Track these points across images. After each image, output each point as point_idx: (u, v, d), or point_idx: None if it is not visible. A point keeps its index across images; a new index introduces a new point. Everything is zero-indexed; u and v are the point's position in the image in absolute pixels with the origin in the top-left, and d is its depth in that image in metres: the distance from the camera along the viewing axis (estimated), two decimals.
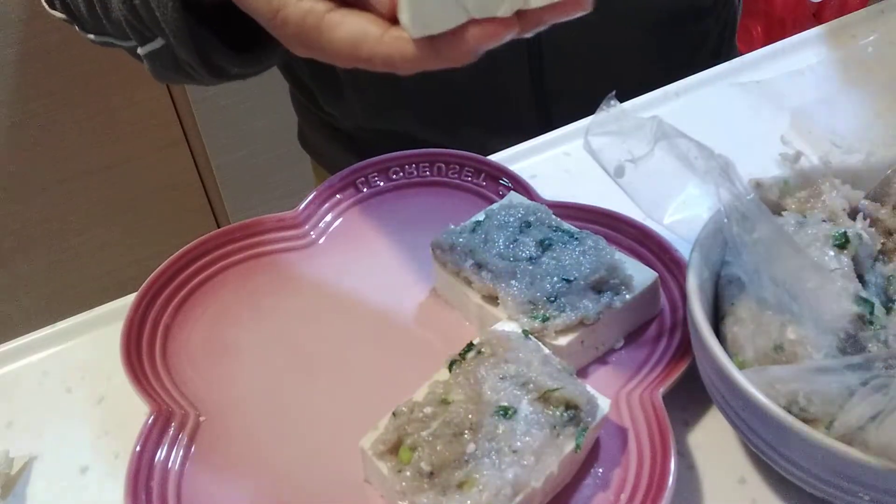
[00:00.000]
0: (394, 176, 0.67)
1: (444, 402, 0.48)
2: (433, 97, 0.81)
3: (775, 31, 1.60)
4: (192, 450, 0.51)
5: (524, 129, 0.74)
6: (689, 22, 0.84)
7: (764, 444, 0.45)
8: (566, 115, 0.73)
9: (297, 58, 0.84)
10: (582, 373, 0.54)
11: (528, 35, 0.44)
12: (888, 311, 0.48)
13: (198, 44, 0.57)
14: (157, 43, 0.60)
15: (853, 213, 0.52)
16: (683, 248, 0.56)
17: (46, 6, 0.72)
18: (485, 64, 0.77)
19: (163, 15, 0.55)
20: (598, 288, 0.54)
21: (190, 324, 0.59)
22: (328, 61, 0.48)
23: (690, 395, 0.52)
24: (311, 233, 0.64)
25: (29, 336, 0.61)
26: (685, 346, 0.53)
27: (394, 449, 0.46)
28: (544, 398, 0.47)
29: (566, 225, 0.58)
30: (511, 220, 0.58)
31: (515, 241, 0.56)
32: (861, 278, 0.48)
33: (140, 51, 0.62)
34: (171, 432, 0.51)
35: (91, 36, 0.68)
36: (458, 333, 0.56)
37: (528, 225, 0.57)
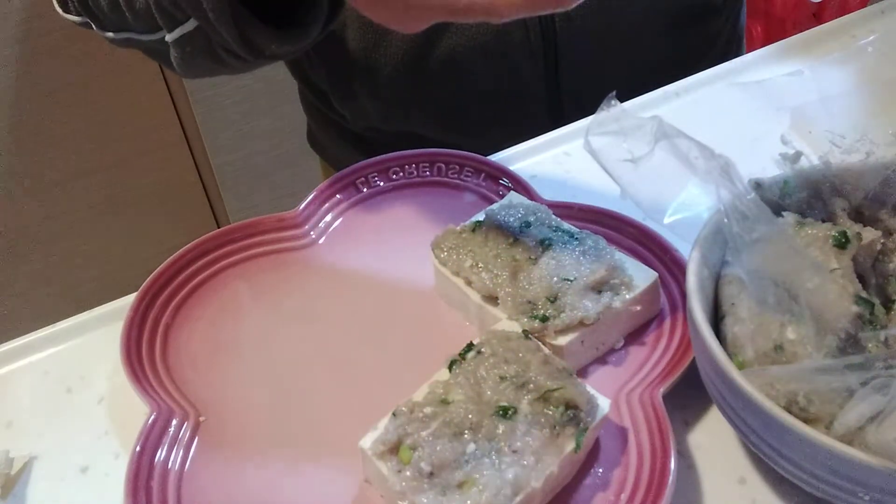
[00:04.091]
0: (394, 176, 0.67)
1: (444, 402, 0.48)
2: (447, 98, 0.81)
3: (775, 31, 1.60)
4: (192, 450, 0.51)
5: (537, 129, 0.74)
6: (701, 19, 0.84)
7: (764, 444, 0.45)
8: (580, 114, 0.73)
9: (311, 58, 0.84)
10: (582, 373, 0.54)
11: None
12: (888, 311, 0.48)
13: (237, 21, 0.57)
14: (190, 25, 0.59)
15: (853, 213, 0.52)
16: (683, 248, 0.56)
17: (60, 10, 0.71)
18: (499, 63, 0.78)
19: None
20: (598, 288, 0.54)
21: (190, 324, 0.59)
22: (404, 17, 0.48)
23: (690, 395, 0.52)
24: (311, 233, 0.64)
25: (29, 336, 0.61)
26: (685, 346, 0.53)
27: (394, 449, 0.46)
28: (544, 398, 0.47)
29: (566, 225, 0.58)
30: (511, 220, 0.58)
31: (515, 241, 0.56)
32: (861, 278, 0.48)
33: (169, 37, 0.61)
34: (171, 432, 0.51)
35: (110, 34, 0.68)
36: (458, 333, 0.56)
37: (528, 225, 0.57)
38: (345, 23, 0.78)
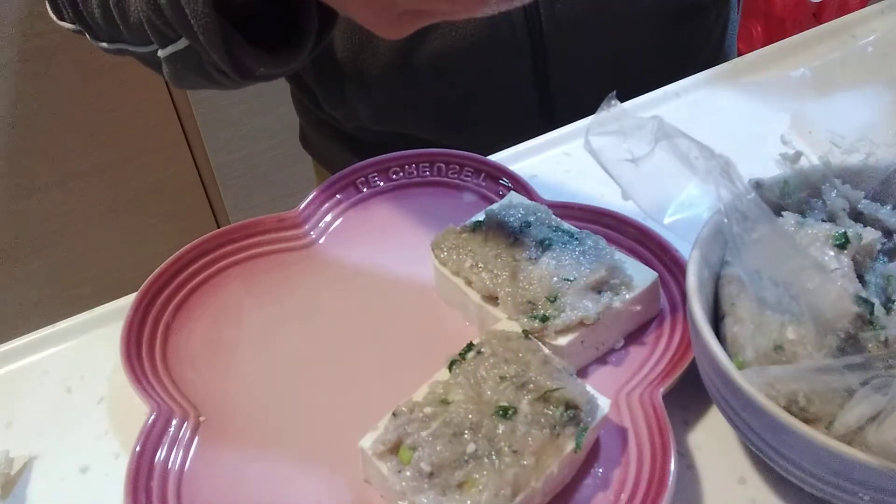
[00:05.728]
0: (394, 176, 0.67)
1: (444, 402, 0.48)
2: (437, 98, 0.81)
3: (775, 31, 1.60)
4: (192, 450, 0.51)
5: (529, 128, 0.74)
6: (691, 20, 0.84)
7: (764, 444, 0.45)
8: (570, 115, 0.73)
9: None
10: (582, 373, 0.54)
11: None
12: (888, 311, 0.47)
13: (227, 43, 0.57)
14: (181, 44, 0.60)
15: (853, 213, 0.52)
16: (683, 248, 0.56)
17: (55, 18, 0.71)
18: (487, 63, 0.78)
19: (193, 13, 0.55)
20: (598, 288, 0.54)
21: (190, 324, 0.59)
22: (396, 22, 0.48)
23: (690, 395, 0.52)
24: (311, 233, 0.64)
25: (29, 336, 0.61)
26: (685, 346, 0.53)
27: (394, 449, 0.46)
28: (544, 398, 0.47)
29: (566, 225, 0.58)
30: (511, 220, 0.58)
31: (515, 241, 0.56)
32: (861, 278, 0.48)
33: (161, 53, 0.61)
34: (171, 432, 0.51)
35: (104, 44, 0.68)
36: (458, 333, 0.56)
37: (528, 225, 0.57)
38: None
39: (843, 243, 0.48)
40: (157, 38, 0.61)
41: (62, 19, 0.71)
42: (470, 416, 0.46)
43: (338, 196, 0.66)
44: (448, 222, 0.59)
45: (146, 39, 0.62)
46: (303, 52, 0.61)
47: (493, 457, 0.45)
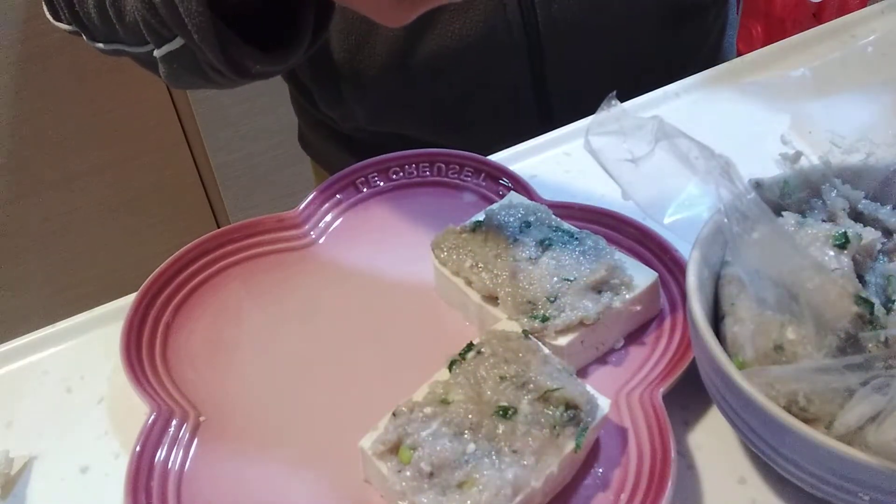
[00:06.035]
0: (394, 176, 0.67)
1: (444, 402, 0.48)
2: (433, 99, 0.81)
3: (775, 31, 1.60)
4: (192, 450, 0.51)
5: (526, 131, 0.74)
6: (690, 21, 0.84)
7: (764, 444, 0.45)
8: (569, 116, 0.73)
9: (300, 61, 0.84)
10: (582, 373, 0.54)
11: None
12: (888, 311, 0.47)
13: (221, 41, 0.57)
14: (176, 43, 0.60)
15: (853, 213, 0.52)
16: (683, 248, 0.56)
17: (51, 19, 0.71)
18: (484, 63, 0.78)
19: (186, 11, 0.55)
20: (598, 288, 0.54)
21: (190, 324, 0.59)
22: (397, 7, 0.48)
23: (690, 395, 0.52)
24: (311, 233, 0.64)
25: (29, 336, 0.61)
26: (685, 346, 0.53)
27: (394, 449, 0.46)
28: (544, 398, 0.47)
29: (566, 225, 0.58)
30: (511, 220, 0.58)
31: (515, 241, 0.56)
32: (861, 278, 0.48)
33: (157, 53, 0.62)
34: (171, 432, 0.51)
35: (100, 45, 0.68)
36: (458, 333, 0.56)
37: (528, 225, 0.57)
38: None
39: (843, 243, 0.48)
40: (153, 38, 0.61)
41: (58, 20, 0.71)
42: (470, 416, 0.46)
43: (338, 196, 0.66)
44: (448, 222, 0.59)
45: (142, 39, 0.62)
46: (299, 49, 0.61)
47: (493, 457, 0.45)
